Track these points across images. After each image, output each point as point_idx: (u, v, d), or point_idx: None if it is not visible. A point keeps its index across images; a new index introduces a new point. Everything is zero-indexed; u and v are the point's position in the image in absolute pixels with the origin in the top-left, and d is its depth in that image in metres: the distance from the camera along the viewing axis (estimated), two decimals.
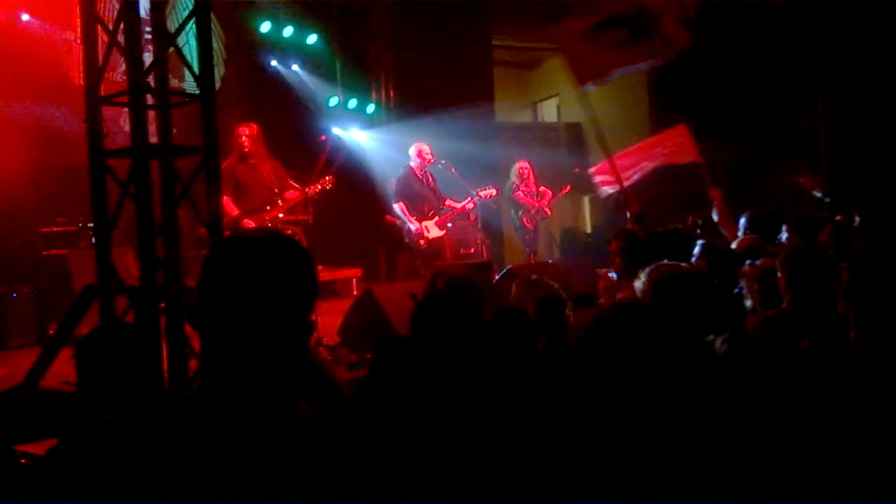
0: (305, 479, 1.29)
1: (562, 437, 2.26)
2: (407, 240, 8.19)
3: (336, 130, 9.62)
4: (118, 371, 2.82)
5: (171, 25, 4.66)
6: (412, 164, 8.27)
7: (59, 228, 7.42)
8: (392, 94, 11.31)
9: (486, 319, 3.20)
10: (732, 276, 4.45)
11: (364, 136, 10.64)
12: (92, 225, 6.78)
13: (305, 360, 1.54)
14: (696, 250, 5.05)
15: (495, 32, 12.38)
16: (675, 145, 9.22)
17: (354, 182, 9.79)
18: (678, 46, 9.18)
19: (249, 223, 6.78)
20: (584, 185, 13.11)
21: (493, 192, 8.68)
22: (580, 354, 2.56)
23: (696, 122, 9.70)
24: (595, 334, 2.33)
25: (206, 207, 4.12)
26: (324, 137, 7.51)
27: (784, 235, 5.60)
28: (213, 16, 9.07)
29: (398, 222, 8.31)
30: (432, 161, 8.26)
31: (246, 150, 7.10)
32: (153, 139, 4.23)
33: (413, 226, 8.07)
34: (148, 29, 4.77)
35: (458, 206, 8.42)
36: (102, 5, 7.04)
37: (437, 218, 8.24)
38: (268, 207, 7.04)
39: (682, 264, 3.39)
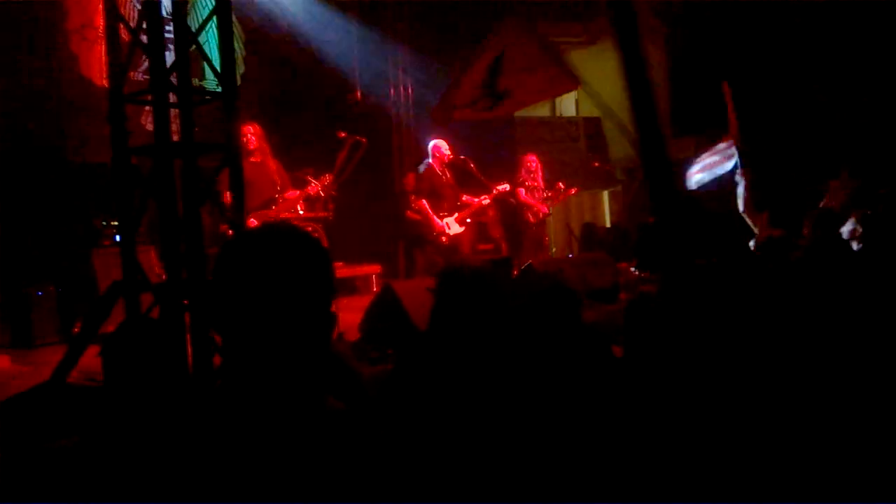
0: (334, 473, 1.30)
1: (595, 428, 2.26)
2: (430, 237, 8.21)
3: (354, 126, 9.62)
4: (144, 367, 2.85)
5: (192, 24, 4.69)
6: (431, 160, 8.29)
7: (83, 227, 7.47)
8: (410, 89, 11.33)
9: (503, 315, 3.20)
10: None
11: (382, 132, 10.66)
12: (115, 223, 6.86)
13: (329, 354, 1.54)
14: None
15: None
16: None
17: (374, 178, 9.81)
18: None
19: (253, 221, 6.84)
20: (604, 180, 13.09)
21: (507, 186, 8.70)
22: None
23: (716, 118, 9.63)
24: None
25: (230, 204, 4.15)
26: (343, 134, 7.52)
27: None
28: (232, 14, 9.20)
29: (419, 219, 8.33)
30: (451, 157, 8.27)
31: (251, 147, 7.18)
32: (174, 137, 4.27)
33: (436, 223, 8.10)
34: (169, 28, 4.81)
35: (475, 201, 8.44)
36: (124, 3, 7.13)
37: (456, 214, 8.26)
38: (273, 207, 7.18)
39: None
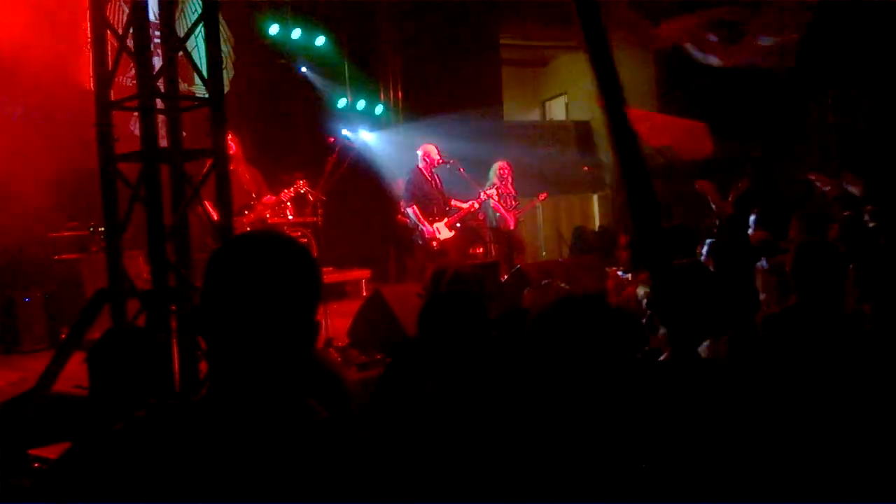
0: (320, 480, 1.29)
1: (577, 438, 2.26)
2: (420, 242, 8.20)
3: (345, 132, 9.64)
4: (130, 375, 2.83)
5: (180, 29, 4.68)
6: (420, 165, 8.29)
7: (71, 233, 7.45)
8: (400, 94, 11.33)
9: (493, 317, 3.20)
10: (743, 274, 4.44)
11: (373, 138, 10.66)
12: (103, 229, 6.84)
13: (313, 360, 1.54)
14: (705, 248, 5.03)
15: (503, 31, 12.38)
16: (691, 138, 9.13)
17: (363, 183, 9.81)
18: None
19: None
20: (594, 183, 13.13)
21: (495, 191, 8.73)
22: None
23: (705, 118, 9.67)
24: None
25: (217, 210, 4.14)
26: (332, 139, 7.54)
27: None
28: (221, 19, 9.19)
29: (409, 223, 8.32)
30: (440, 162, 8.27)
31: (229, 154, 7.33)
32: (163, 143, 4.26)
33: (427, 228, 8.10)
34: (157, 33, 4.80)
35: (465, 206, 8.45)
36: (112, 9, 7.10)
37: (446, 219, 8.26)
38: (245, 212, 7.23)
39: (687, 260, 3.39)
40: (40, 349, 6.46)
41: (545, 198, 10.10)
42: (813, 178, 7.53)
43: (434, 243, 8.11)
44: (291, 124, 10.01)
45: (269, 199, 7.47)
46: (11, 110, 7.40)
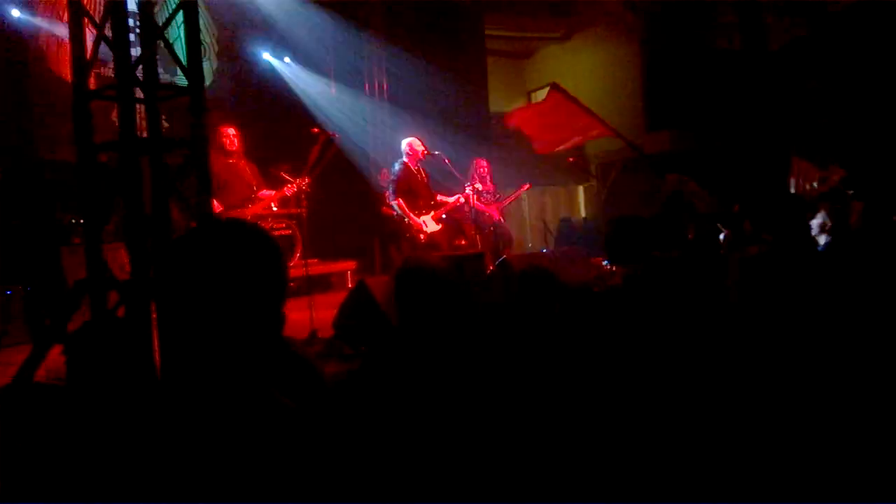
0: (284, 470, 1.28)
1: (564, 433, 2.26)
2: (407, 234, 8.19)
3: (328, 122, 9.61)
4: (108, 366, 2.81)
5: (161, 19, 4.63)
6: (406, 159, 8.27)
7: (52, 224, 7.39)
8: (385, 85, 11.29)
9: (476, 310, 3.19)
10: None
11: (356, 128, 10.63)
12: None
13: (281, 349, 1.53)
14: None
15: (488, 22, 12.35)
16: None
17: (347, 174, 9.78)
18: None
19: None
20: (579, 175, 13.14)
21: (481, 185, 8.76)
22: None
23: (689, 117, 9.70)
24: None
25: (196, 201, 4.11)
26: (316, 130, 7.51)
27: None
28: (204, 9, 9.13)
29: (394, 215, 8.31)
30: (425, 154, 8.25)
31: (231, 148, 7.61)
32: (146, 134, 4.23)
33: (413, 221, 8.09)
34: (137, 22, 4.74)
35: (450, 200, 8.46)
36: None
37: (432, 213, 8.26)
38: (249, 205, 7.45)
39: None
40: (22, 342, 6.41)
41: (528, 188, 10.10)
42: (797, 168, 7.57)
43: (421, 235, 8.12)
44: (275, 115, 9.97)
45: (265, 193, 7.65)
46: None
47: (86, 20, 4.29)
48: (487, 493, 2.30)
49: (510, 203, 9.91)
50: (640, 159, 10.21)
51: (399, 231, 8.28)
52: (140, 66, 4.03)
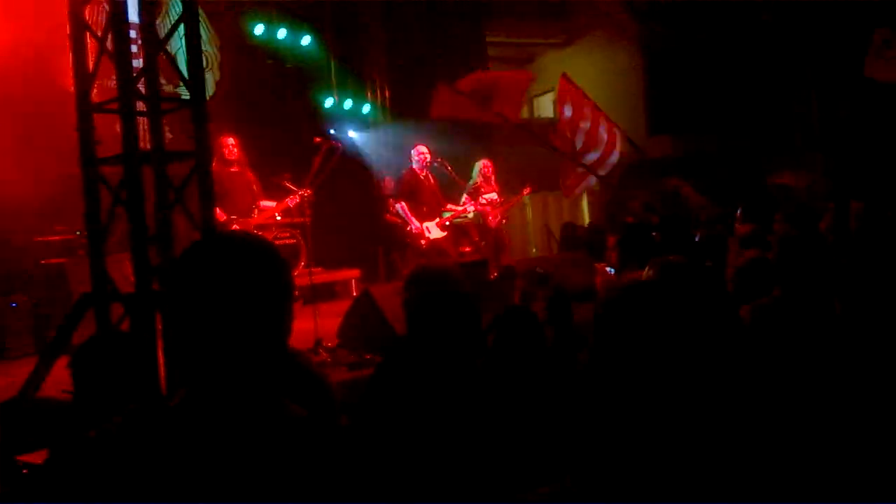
0: (295, 479, 1.28)
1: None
2: (408, 240, 8.20)
3: (332, 132, 9.62)
4: (113, 379, 2.81)
5: (163, 31, 4.66)
6: (413, 165, 8.31)
7: (57, 237, 7.42)
8: (388, 93, 11.32)
9: (483, 315, 3.19)
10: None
11: (360, 137, 10.65)
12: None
13: (287, 361, 1.52)
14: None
15: (489, 28, 12.38)
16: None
17: (351, 183, 9.79)
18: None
19: (237, 228, 7.09)
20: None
21: (495, 196, 8.77)
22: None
23: (691, 116, 9.70)
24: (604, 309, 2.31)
25: (200, 212, 4.12)
26: (319, 139, 7.52)
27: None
28: (206, 21, 9.16)
29: (398, 222, 8.32)
30: (430, 161, 8.29)
31: (231, 157, 7.65)
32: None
33: (415, 226, 8.10)
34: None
35: (459, 208, 8.47)
36: (93, 11, 7.08)
37: (437, 219, 8.26)
38: (255, 213, 7.51)
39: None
40: (27, 355, 6.42)
41: (530, 192, 10.10)
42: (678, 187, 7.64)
43: (422, 241, 8.12)
44: (278, 125, 9.98)
45: (266, 202, 7.66)
46: None
47: (87, 33, 4.32)
48: (496, 497, 2.30)
49: (512, 207, 9.91)
50: (644, 164, 10.22)
51: (401, 237, 8.30)
52: (142, 79, 4.05)
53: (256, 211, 7.53)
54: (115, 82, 3.98)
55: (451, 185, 8.61)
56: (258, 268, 1.36)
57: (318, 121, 10.25)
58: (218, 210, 6.90)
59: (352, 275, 9.58)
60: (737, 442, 2.17)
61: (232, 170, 7.69)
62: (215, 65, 9.83)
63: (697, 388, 2.25)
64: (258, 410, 1.32)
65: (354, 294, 8.44)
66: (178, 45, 4.93)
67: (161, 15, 8.12)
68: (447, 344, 2.72)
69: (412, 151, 8.40)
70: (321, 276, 8.77)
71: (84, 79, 4.16)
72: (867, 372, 2.65)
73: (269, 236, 7.46)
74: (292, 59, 10.50)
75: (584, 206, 13.84)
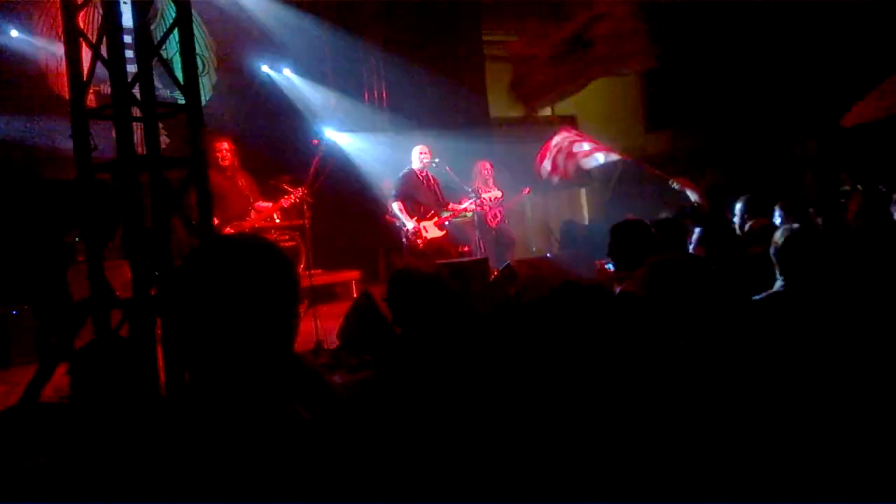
0: (302, 482, 1.29)
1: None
2: (405, 240, 8.20)
3: (329, 132, 9.63)
4: (112, 384, 2.82)
5: (158, 35, 4.66)
6: (413, 166, 8.32)
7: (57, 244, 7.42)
8: (385, 93, 11.31)
9: (479, 313, 3.19)
10: (735, 261, 4.45)
11: (358, 138, 10.65)
12: None
13: (293, 362, 1.53)
14: (695, 237, 5.03)
15: (486, 28, 12.37)
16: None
17: (349, 184, 9.79)
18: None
19: (230, 231, 7.11)
20: (581, 178, 13.12)
21: (499, 194, 8.76)
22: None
23: (688, 115, 9.70)
24: None
25: (197, 217, 4.12)
26: (316, 141, 7.53)
27: (778, 219, 5.59)
28: (202, 24, 9.17)
29: (396, 223, 8.32)
30: (429, 162, 8.29)
31: (224, 163, 7.63)
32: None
33: (410, 225, 8.09)
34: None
35: (460, 207, 8.47)
36: (87, 17, 7.09)
37: (436, 219, 8.26)
38: (247, 217, 7.48)
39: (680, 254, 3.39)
40: (30, 362, 6.42)
41: (528, 192, 10.10)
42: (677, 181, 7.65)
43: (419, 241, 8.11)
44: (275, 127, 9.98)
45: (261, 206, 7.65)
46: None
47: (81, 40, 4.32)
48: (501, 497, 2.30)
49: (511, 207, 9.91)
50: (643, 161, 10.22)
51: (401, 239, 8.30)
52: (137, 84, 4.05)
53: (253, 213, 7.50)
54: (107, 89, 3.98)
55: (450, 185, 8.60)
56: (264, 269, 1.36)
57: (315, 122, 10.24)
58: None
59: (352, 276, 9.58)
60: (735, 440, 2.17)
61: (225, 175, 7.67)
62: (211, 69, 9.83)
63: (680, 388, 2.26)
64: (266, 414, 1.33)
65: (355, 295, 8.45)
66: (173, 50, 4.94)
67: (155, 20, 8.13)
68: (431, 339, 2.72)
69: (412, 151, 8.40)
70: (321, 277, 8.77)
71: (79, 86, 4.17)
72: (870, 367, 2.65)
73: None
74: (288, 61, 10.49)
75: (583, 203, 13.84)
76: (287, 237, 8.43)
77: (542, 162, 9.22)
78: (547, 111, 15.00)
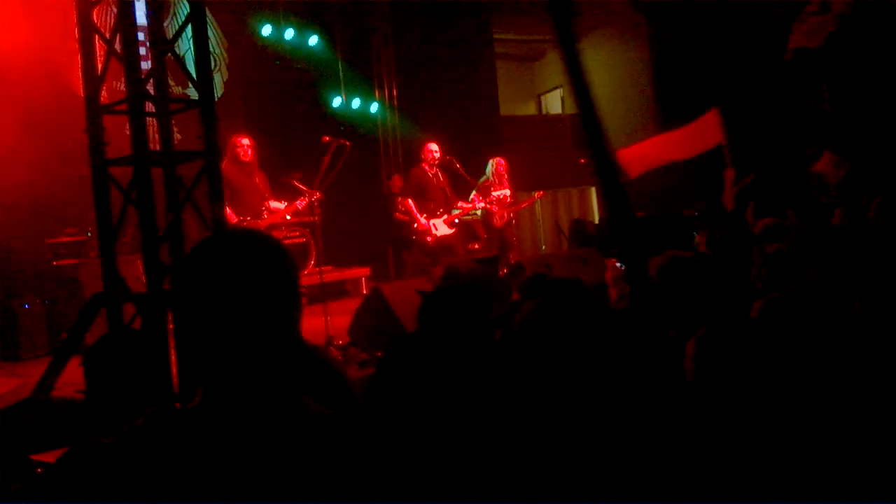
0: (321, 477, 1.28)
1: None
2: (414, 237, 8.21)
3: (340, 130, 9.65)
4: (126, 378, 2.83)
5: (171, 32, 4.68)
6: (423, 163, 8.32)
7: (69, 239, 7.46)
8: (395, 92, 11.32)
9: (492, 314, 3.19)
10: (741, 260, 4.44)
11: (368, 135, 10.67)
12: None
13: (303, 356, 1.51)
14: (703, 237, 5.03)
15: (497, 26, 12.37)
16: (702, 132, 9.09)
17: (360, 182, 9.81)
18: None
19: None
20: (592, 176, 13.10)
21: (507, 193, 8.75)
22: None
23: (699, 108, 9.62)
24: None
25: (210, 212, 4.13)
26: (327, 138, 7.53)
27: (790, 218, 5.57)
28: (213, 22, 9.19)
29: (406, 220, 8.33)
30: (440, 159, 8.30)
31: (245, 159, 7.51)
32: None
33: (421, 222, 8.10)
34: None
35: (468, 206, 8.47)
36: (101, 13, 7.11)
37: (445, 216, 8.26)
38: (265, 215, 7.39)
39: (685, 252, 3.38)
40: (41, 356, 6.46)
41: (541, 195, 10.11)
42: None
43: (428, 238, 8.12)
44: (286, 125, 10.00)
45: (275, 203, 7.61)
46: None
47: (96, 36, 4.34)
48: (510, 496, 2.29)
49: (522, 208, 9.90)
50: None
51: (408, 235, 8.31)
52: (151, 80, 4.07)
53: (266, 213, 7.46)
54: (121, 85, 4.00)
55: (461, 183, 8.61)
56: (263, 262, 1.36)
57: (327, 120, 10.26)
58: (228, 211, 6.92)
59: (362, 273, 9.60)
60: (738, 442, 2.16)
61: (243, 170, 7.60)
62: (223, 65, 9.86)
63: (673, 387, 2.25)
64: (278, 409, 1.32)
65: (364, 292, 8.46)
66: (186, 47, 4.95)
67: (168, 16, 8.15)
68: (460, 340, 2.72)
69: (422, 149, 8.41)
70: (331, 274, 8.79)
71: (93, 81, 4.18)
72: (880, 367, 2.63)
73: (278, 235, 7.46)
74: (300, 60, 10.51)
75: (593, 202, 13.82)
76: (297, 233, 8.44)
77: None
78: (557, 109, 14.99)
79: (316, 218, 7.24)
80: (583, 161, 10.80)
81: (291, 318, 1.38)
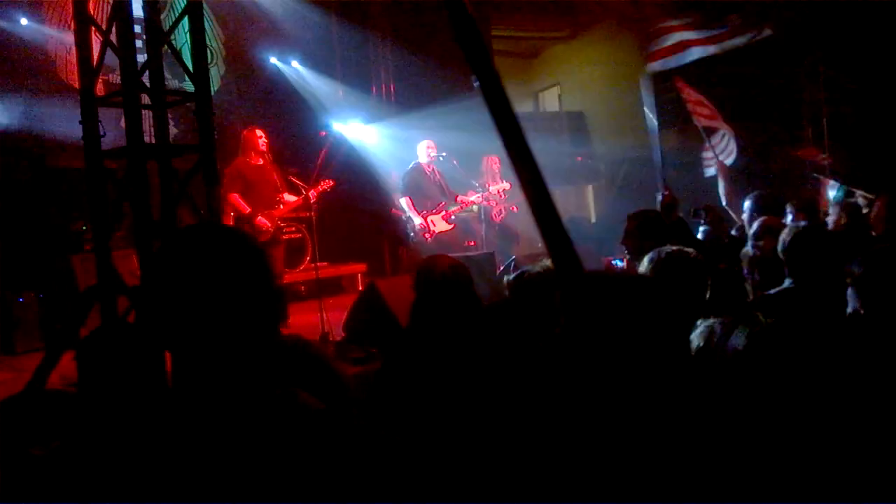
0: (311, 471, 1.28)
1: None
2: (412, 234, 8.20)
3: (336, 125, 9.63)
4: (119, 370, 2.83)
5: (167, 24, 4.66)
6: (419, 160, 8.30)
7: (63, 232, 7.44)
8: (392, 87, 11.30)
9: (485, 308, 3.19)
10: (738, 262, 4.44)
11: (365, 130, 10.64)
12: None
13: (297, 349, 1.51)
14: (700, 236, 5.02)
15: (494, 23, 12.35)
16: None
17: (357, 177, 9.79)
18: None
19: (263, 220, 6.99)
20: (588, 174, 13.12)
21: (507, 185, 8.73)
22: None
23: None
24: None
25: (206, 206, 4.12)
26: (324, 133, 7.51)
27: (789, 217, 5.57)
28: (210, 15, 9.17)
29: (403, 216, 8.32)
30: (435, 156, 8.28)
31: (262, 149, 7.33)
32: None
33: (418, 220, 8.08)
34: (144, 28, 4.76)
35: (468, 200, 8.45)
36: (97, 5, 7.09)
37: (443, 212, 8.25)
38: (280, 206, 7.25)
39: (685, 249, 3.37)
40: (35, 349, 6.44)
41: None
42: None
43: (427, 235, 8.11)
44: (283, 119, 9.99)
45: (288, 196, 7.51)
46: None
47: (92, 27, 4.32)
48: (506, 494, 2.29)
49: (516, 203, 9.88)
50: (648, 158, 10.18)
51: (407, 232, 8.29)
52: (147, 72, 4.05)
53: (280, 205, 7.32)
54: (117, 78, 3.98)
55: (457, 179, 8.59)
56: (226, 254, 1.36)
57: (323, 114, 10.24)
58: (244, 203, 6.92)
59: (358, 269, 9.60)
60: (732, 444, 2.16)
61: (259, 163, 7.37)
62: (219, 59, 9.83)
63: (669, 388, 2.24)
64: (272, 402, 1.32)
65: (360, 288, 8.45)
66: (182, 40, 4.94)
67: (165, 9, 8.13)
68: (446, 333, 2.72)
69: (419, 146, 8.39)
70: (327, 270, 8.79)
71: (88, 73, 4.16)
72: (877, 366, 2.63)
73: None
74: (297, 53, 10.49)
75: (589, 200, 13.82)
76: (293, 229, 8.42)
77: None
78: (554, 107, 14.98)
79: (312, 213, 7.22)
80: (580, 159, 10.81)
81: (260, 305, 1.37)
